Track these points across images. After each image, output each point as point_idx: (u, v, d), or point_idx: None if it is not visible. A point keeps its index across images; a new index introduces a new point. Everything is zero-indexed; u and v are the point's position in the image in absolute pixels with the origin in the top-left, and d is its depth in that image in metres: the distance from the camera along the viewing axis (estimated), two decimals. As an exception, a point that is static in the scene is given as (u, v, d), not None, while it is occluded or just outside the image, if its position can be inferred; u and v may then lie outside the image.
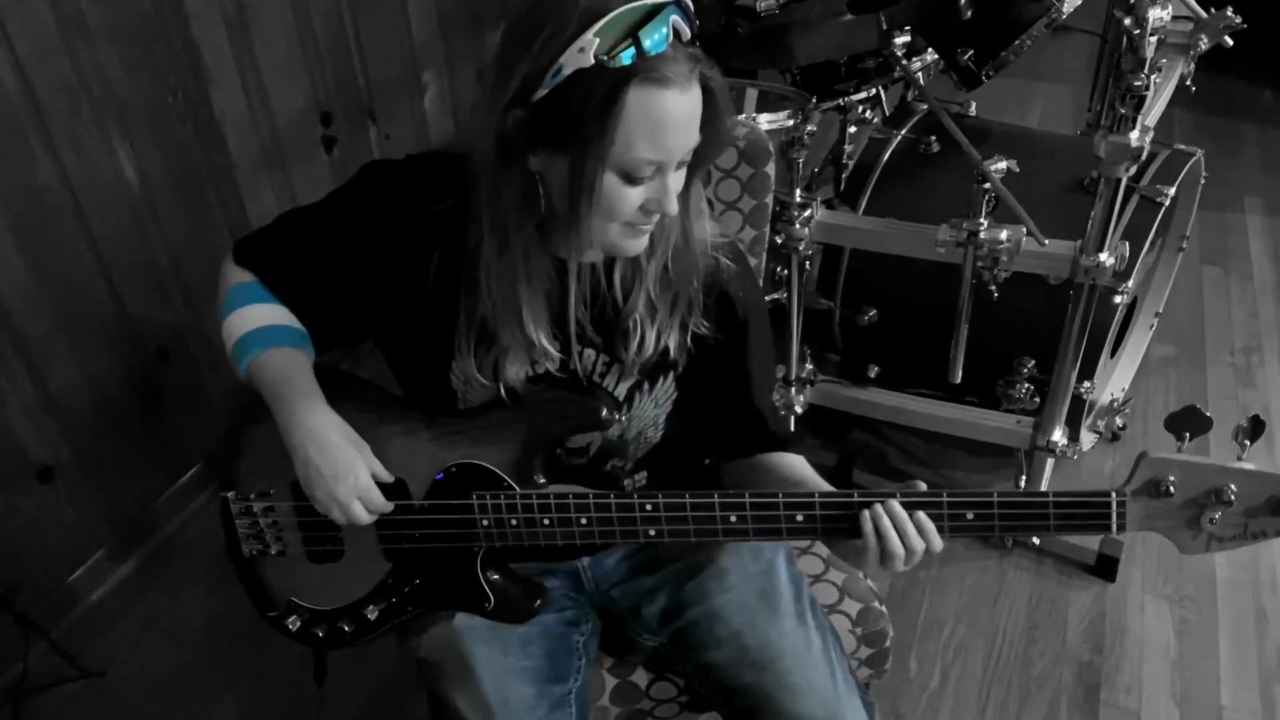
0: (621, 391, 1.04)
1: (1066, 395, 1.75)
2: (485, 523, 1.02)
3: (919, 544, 0.92)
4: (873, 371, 2.04)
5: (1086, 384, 1.79)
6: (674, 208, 0.90)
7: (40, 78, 1.55)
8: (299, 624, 1.10)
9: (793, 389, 2.00)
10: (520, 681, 1.04)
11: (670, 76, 0.81)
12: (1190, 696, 1.66)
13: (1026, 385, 1.87)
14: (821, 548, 1.30)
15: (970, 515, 0.91)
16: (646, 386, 1.05)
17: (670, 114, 0.83)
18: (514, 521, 1.01)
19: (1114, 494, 0.84)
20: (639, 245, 0.94)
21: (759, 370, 1.09)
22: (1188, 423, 0.81)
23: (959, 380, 1.80)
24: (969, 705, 1.66)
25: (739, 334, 1.05)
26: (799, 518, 0.96)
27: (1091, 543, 1.88)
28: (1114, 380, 2.19)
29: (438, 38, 2.38)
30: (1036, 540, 1.91)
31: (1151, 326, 2.31)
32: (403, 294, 0.99)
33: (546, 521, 1.01)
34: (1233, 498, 0.81)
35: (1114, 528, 0.86)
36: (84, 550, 1.87)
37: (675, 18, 0.81)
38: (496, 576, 1.07)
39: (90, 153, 1.66)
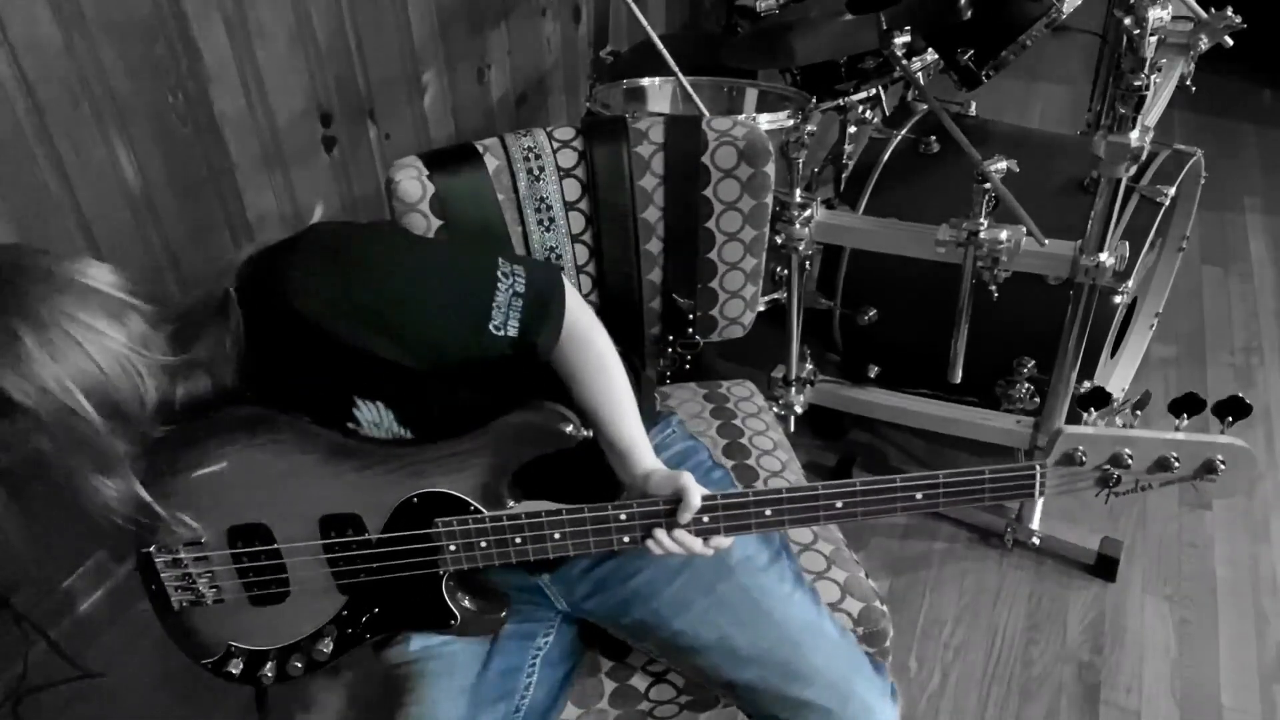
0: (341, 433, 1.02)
1: (1066, 395, 1.75)
2: (453, 548, 1.02)
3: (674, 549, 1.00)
4: (873, 371, 2.04)
5: (1086, 384, 1.79)
6: None
7: (40, 78, 1.55)
8: (242, 667, 1.08)
9: (793, 389, 2.00)
10: (456, 704, 1.04)
11: None
12: (1190, 696, 1.66)
13: (1026, 385, 1.87)
14: (824, 545, 1.30)
15: (919, 496, 1.00)
16: (351, 425, 1.02)
17: None
18: (484, 544, 1.01)
19: (1038, 466, 0.99)
20: None
21: (410, 345, 0.96)
22: (1093, 400, 0.98)
23: (959, 380, 1.80)
24: (969, 705, 1.66)
25: (347, 347, 0.93)
26: (767, 512, 0.99)
27: (1091, 542, 1.88)
28: (1114, 380, 2.19)
29: (438, 38, 2.38)
30: (1037, 540, 1.91)
31: (1151, 326, 2.31)
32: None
33: (519, 540, 1.01)
34: (1130, 461, 0.97)
35: (1037, 492, 1.00)
36: (84, 550, 1.86)
37: None
38: (462, 595, 1.07)
39: (90, 153, 1.66)
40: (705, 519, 0.99)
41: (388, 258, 0.98)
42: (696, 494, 0.97)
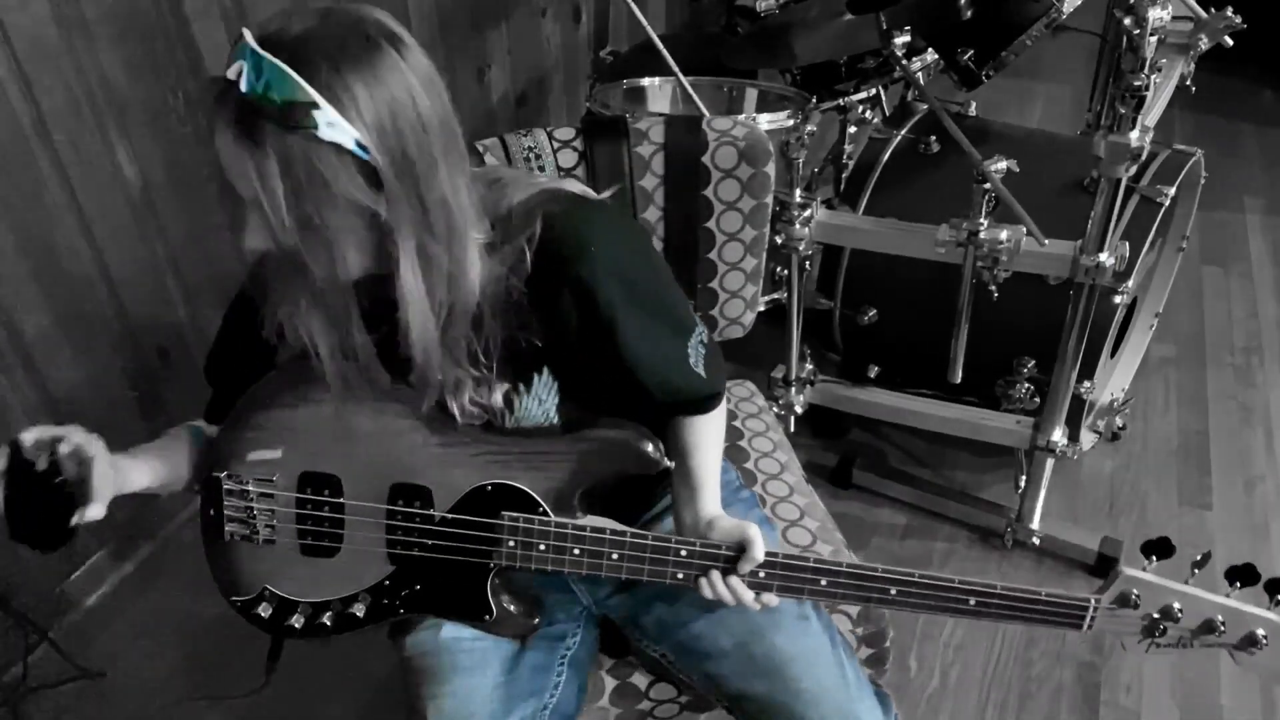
0: (498, 399, 1.00)
1: (1066, 395, 1.75)
2: (511, 544, 1.02)
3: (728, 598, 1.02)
4: (873, 371, 2.04)
5: (1086, 384, 1.79)
6: (245, 243, 0.89)
7: (40, 78, 1.55)
8: (271, 612, 1.08)
9: (793, 389, 2.00)
10: (490, 699, 1.04)
11: (215, 112, 0.80)
12: (1190, 696, 1.66)
13: (1026, 385, 1.87)
14: (823, 546, 1.30)
15: (972, 602, 1.01)
16: (522, 387, 1.01)
17: (218, 146, 0.82)
18: (543, 547, 1.02)
19: (1093, 600, 0.99)
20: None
21: (642, 347, 1.00)
22: (1157, 549, 1.00)
23: (959, 380, 1.80)
24: (969, 705, 1.66)
25: (606, 327, 0.97)
26: (822, 582, 1.01)
27: (1091, 542, 1.88)
28: (1114, 380, 2.19)
29: (438, 38, 2.38)
30: (1037, 540, 1.91)
31: (1151, 326, 2.31)
32: None
33: (576, 551, 1.01)
34: (1179, 616, 0.98)
35: (1085, 626, 1.01)
36: (84, 550, 1.86)
37: (242, 63, 0.78)
38: (504, 592, 1.07)
39: (90, 153, 1.66)
40: (761, 574, 1.00)
41: (660, 262, 1.05)
42: (761, 548, 0.99)
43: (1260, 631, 0.97)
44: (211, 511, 1.06)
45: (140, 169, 1.75)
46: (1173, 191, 1.80)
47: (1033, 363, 1.85)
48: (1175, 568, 0.98)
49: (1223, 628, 0.97)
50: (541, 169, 1.39)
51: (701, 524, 1.05)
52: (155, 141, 1.76)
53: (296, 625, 1.08)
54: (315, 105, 0.77)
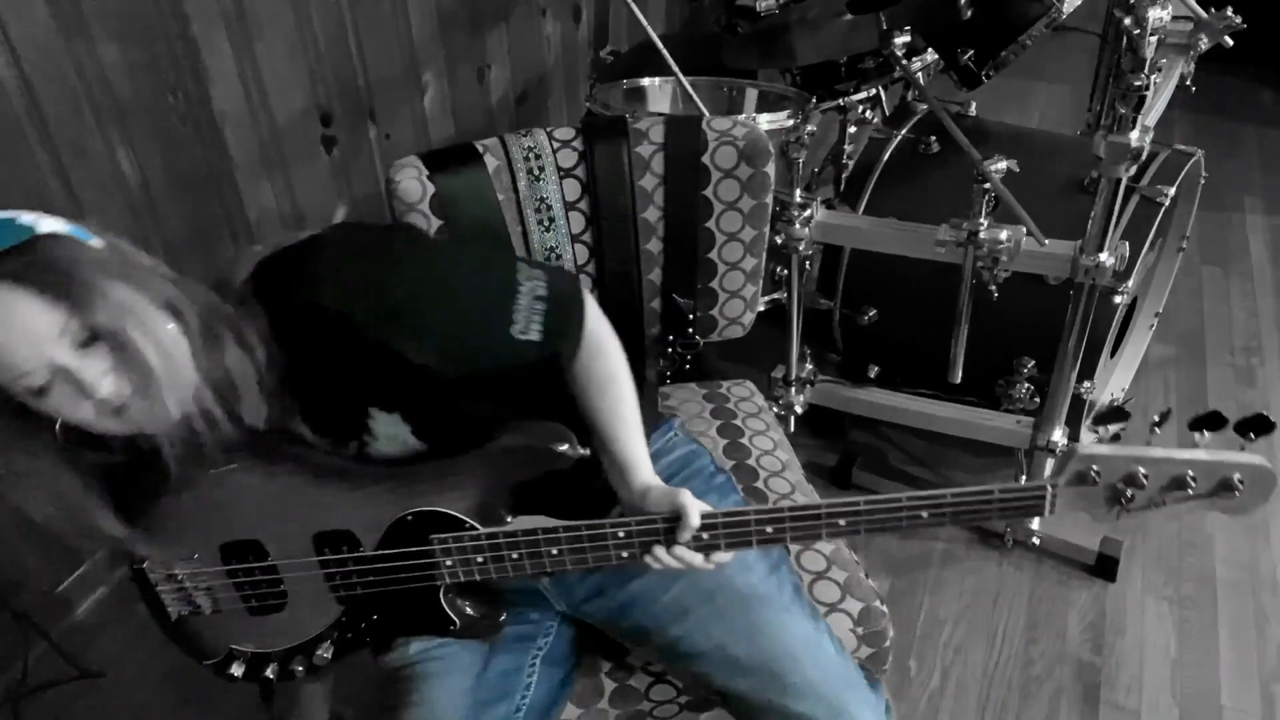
0: (352, 451, 1.00)
1: (1066, 395, 1.75)
2: (449, 563, 1.01)
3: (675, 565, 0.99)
4: (873, 371, 2.04)
5: (1086, 384, 1.79)
6: (106, 402, 0.82)
7: (40, 78, 1.55)
8: (244, 668, 1.08)
9: (793, 389, 2.00)
10: (459, 704, 1.04)
11: None
12: (1190, 696, 1.66)
13: (1026, 385, 1.87)
14: (823, 545, 1.30)
15: (925, 514, 0.98)
16: (366, 436, 0.99)
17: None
18: (481, 559, 1.01)
19: (1049, 486, 0.97)
20: (111, 426, 0.86)
21: (438, 345, 0.93)
22: (1108, 417, 0.98)
23: (959, 380, 1.80)
24: (969, 705, 1.66)
25: (381, 345, 0.90)
26: (769, 529, 0.98)
27: (1091, 543, 1.88)
28: (1114, 380, 2.19)
29: (438, 38, 2.38)
30: (1037, 540, 1.91)
31: (1151, 326, 2.31)
32: None
33: (515, 555, 1.00)
34: (1145, 481, 0.95)
35: (1046, 511, 0.98)
36: (83, 551, 1.86)
37: None
38: (461, 600, 1.07)
39: (90, 153, 1.66)
40: (705, 536, 0.97)
41: (416, 257, 0.97)
42: (695, 513, 0.95)
43: (1236, 476, 0.94)
44: (150, 598, 1.06)
45: (140, 169, 1.75)
46: (1173, 191, 1.80)
47: (1033, 363, 1.85)
48: (1136, 432, 0.96)
49: (1194, 481, 0.94)
50: (541, 169, 1.39)
51: (636, 497, 1.01)
52: (155, 141, 1.76)
53: (271, 675, 1.08)
54: (22, 219, 0.81)
